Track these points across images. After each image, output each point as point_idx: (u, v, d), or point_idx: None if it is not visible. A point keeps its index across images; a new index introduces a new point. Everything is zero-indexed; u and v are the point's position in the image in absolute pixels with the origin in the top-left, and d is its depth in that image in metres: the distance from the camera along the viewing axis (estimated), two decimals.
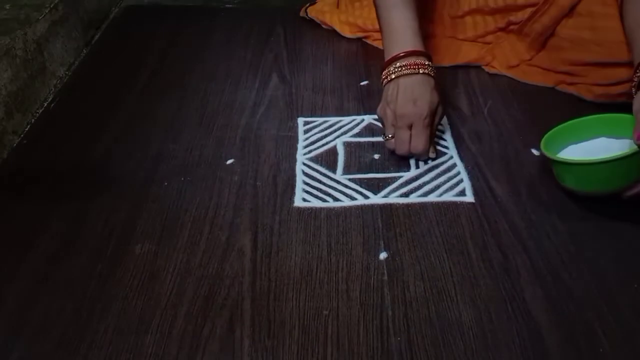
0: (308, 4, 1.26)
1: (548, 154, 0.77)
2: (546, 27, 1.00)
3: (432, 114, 0.85)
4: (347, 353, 0.62)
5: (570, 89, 0.99)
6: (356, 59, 1.13)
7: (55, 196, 0.82)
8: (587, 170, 0.74)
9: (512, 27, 1.05)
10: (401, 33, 0.90)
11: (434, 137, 0.88)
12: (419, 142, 0.84)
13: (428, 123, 0.84)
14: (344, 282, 0.69)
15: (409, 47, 0.88)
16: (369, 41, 1.17)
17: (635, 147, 0.71)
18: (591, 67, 0.97)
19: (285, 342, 0.63)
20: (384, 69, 0.89)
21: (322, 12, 1.23)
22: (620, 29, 0.92)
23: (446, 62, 1.09)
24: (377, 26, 1.12)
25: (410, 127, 0.84)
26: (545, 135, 0.80)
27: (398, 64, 0.87)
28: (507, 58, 1.06)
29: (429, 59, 0.88)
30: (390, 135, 0.86)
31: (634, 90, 0.78)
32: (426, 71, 0.86)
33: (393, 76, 0.87)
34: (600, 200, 0.78)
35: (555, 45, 1.01)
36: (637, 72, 0.78)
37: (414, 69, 0.86)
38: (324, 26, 1.22)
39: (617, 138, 0.79)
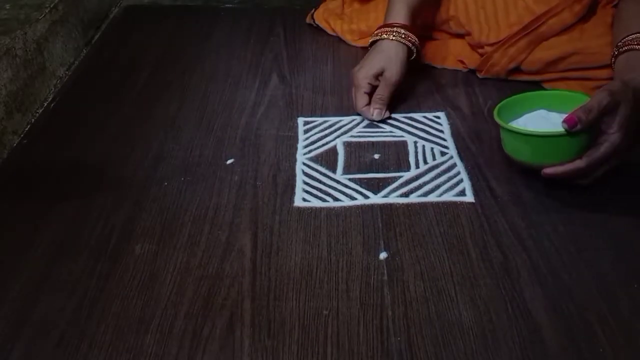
0: (313, 10, 1.25)
1: (497, 118, 0.80)
2: (520, 51, 1.00)
3: (369, 77, 0.94)
4: (347, 353, 0.62)
5: (560, 86, 0.99)
6: (356, 59, 1.13)
7: (55, 196, 0.82)
8: (518, 139, 0.77)
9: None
10: (391, 6, 1.00)
11: (380, 102, 0.94)
12: (355, 101, 0.95)
13: (364, 85, 0.94)
14: (344, 282, 0.69)
15: (390, 20, 0.98)
16: None
17: (555, 130, 0.74)
18: (576, 71, 0.98)
19: (285, 342, 0.63)
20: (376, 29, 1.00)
21: (327, 20, 1.22)
22: (603, 33, 0.95)
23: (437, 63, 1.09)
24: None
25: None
26: (504, 101, 0.83)
27: (375, 32, 0.99)
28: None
29: (406, 30, 0.97)
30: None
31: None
32: (390, 37, 0.96)
33: (368, 44, 0.99)
34: (600, 201, 0.78)
35: (530, 70, 1.02)
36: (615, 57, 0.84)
37: (379, 34, 0.97)
38: (329, 32, 1.21)
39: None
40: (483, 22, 1.04)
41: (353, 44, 1.17)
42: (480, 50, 1.04)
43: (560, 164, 0.75)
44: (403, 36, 0.96)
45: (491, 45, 1.02)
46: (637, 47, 0.85)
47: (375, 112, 0.94)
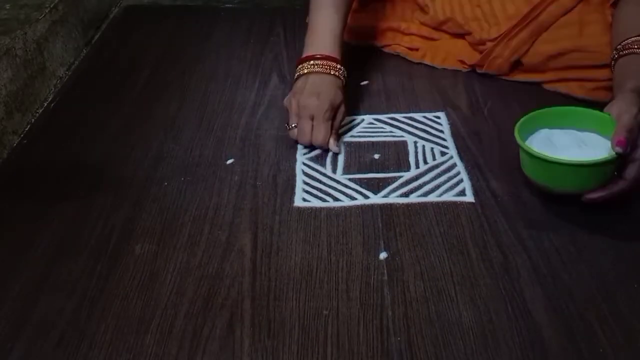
0: None
1: (518, 139, 0.75)
2: (523, 42, 0.99)
3: (334, 109, 0.89)
4: (347, 353, 0.62)
5: (560, 87, 0.99)
6: (356, 59, 1.13)
7: (55, 196, 0.82)
8: (550, 167, 0.73)
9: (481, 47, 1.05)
10: (321, 36, 0.95)
11: (336, 133, 0.90)
12: (318, 133, 0.88)
13: (328, 117, 0.88)
14: (344, 282, 0.69)
15: (326, 52, 0.93)
16: (377, 44, 1.15)
17: (605, 155, 0.72)
18: (576, 70, 0.98)
19: (285, 342, 0.63)
20: (298, 65, 0.94)
21: None
22: (603, 32, 0.94)
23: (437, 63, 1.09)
24: (382, 27, 1.12)
25: (312, 119, 0.88)
26: (521, 119, 0.79)
27: (312, 62, 0.92)
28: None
29: (341, 65, 0.93)
30: (293, 125, 0.90)
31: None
32: (337, 74, 0.92)
33: (305, 71, 0.92)
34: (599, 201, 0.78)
35: (531, 63, 1.01)
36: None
37: (326, 69, 0.92)
38: None
39: (589, 132, 0.79)
40: (482, 19, 1.04)
41: (352, 43, 1.17)
42: (481, 47, 1.04)
43: (602, 188, 0.73)
44: (344, 73, 0.94)
45: (493, 40, 1.02)
46: (637, 51, 0.84)
47: (337, 144, 0.89)
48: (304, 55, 0.94)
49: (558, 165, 0.73)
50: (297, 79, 0.93)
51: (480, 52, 1.04)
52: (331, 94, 0.89)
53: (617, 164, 0.73)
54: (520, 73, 1.03)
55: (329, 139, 0.88)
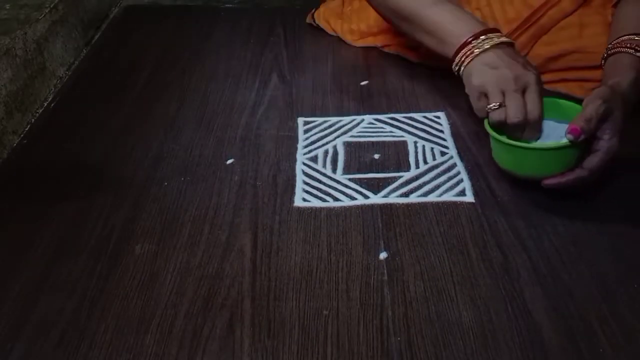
0: (313, 9, 1.25)
1: (486, 127, 0.79)
2: (522, 46, 0.99)
3: (540, 80, 0.81)
4: (347, 353, 0.62)
5: (560, 87, 0.99)
6: (356, 59, 1.13)
7: (55, 196, 0.82)
8: (517, 152, 0.77)
9: None
10: (459, 22, 0.87)
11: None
12: (535, 107, 0.78)
13: (541, 88, 0.80)
14: (344, 282, 0.69)
15: (481, 27, 0.85)
16: (377, 45, 1.15)
17: (561, 142, 0.74)
18: (576, 70, 0.98)
19: (285, 342, 0.63)
20: (461, 49, 0.85)
21: (327, 20, 1.21)
22: (603, 32, 0.94)
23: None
24: (382, 27, 1.11)
25: (523, 92, 0.79)
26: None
27: (482, 37, 0.84)
28: None
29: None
30: (497, 104, 0.79)
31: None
32: (509, 40, 0.85)
33: (487, 45, 0.83)
34: (600, 200, 0.78)
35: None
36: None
37: (502, 39, 0.84)
38: (330, 32, 1.21)
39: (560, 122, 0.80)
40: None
41: (353, 44, 1.17)
42: None
43: (561, 175, 0.75)
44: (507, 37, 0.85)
45: None
46: (624, 49, 0.85)
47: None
48: (459, 45, 0.85)
49: (518, 149, 0.76)
50: (473, 60, 0.83)
51: None
52: (527, 61, 0.82)
53: (578, 153, 0.75)
54: None
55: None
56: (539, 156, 0.76)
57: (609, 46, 0.87)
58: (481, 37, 0.84)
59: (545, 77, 1.00)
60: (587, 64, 0.96)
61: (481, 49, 0.83)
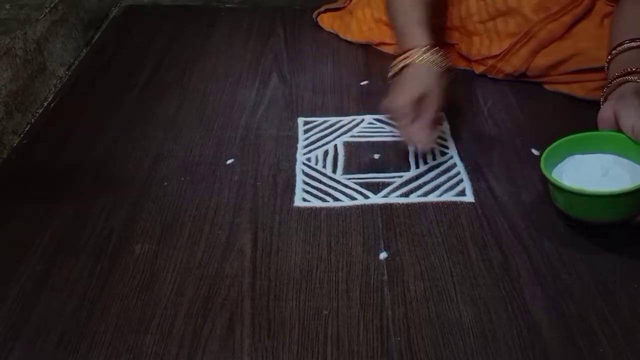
0: (316, 12, 1.24)
1: (546, 173, 0.73)
2: (523, 60, 1.00)
3: (414, 102, 0.82)
4: (347, 353, 0.62)
5: (561, 88, 0.99)
6: (356, 59, 1.13)
7: (55, 196, 0.82)
8: (587, 200, 0.70)
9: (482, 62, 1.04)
10: (406, 33, 0.91)
11: (428, 127, 0.84)
12: (411, 136, 0.84)
13: (407, 114, 0.82)
14: (344, 282, 0.69)
15: (413, 44, 0.88)
16: (375, 45, 1.15)
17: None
18: (577, 73, 0.98)
19: (285, 342, 0.63)
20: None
21: (331, 22, 1.21)
22: (603, 35, 0.93)
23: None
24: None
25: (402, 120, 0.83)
26: (546, 150, 0.76)
27: (396, 60, 0.88)
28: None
29: (431, 47, 0.87)
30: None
31: (602, 99, 0.80)
32: (422, 59, 0.86)
33: (391, 72, 0.88)
34: None
35: (533, 75, 1.01)
36: (611, 82, 0.79)
37: (406, 59, 0.87)
38: (329, 30, 1.21)
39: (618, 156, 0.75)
40: (483, 34, 1.04)
41: (355, 40, 1.16)
42: (477, 61, 1.05)
43: None
44: (431, 59, 0.86)
45: (494, 57, 1.02)
46: (635, 44, 0.84)
47: (428, 144, 0.85)
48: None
49: (596, 198, 0.69)
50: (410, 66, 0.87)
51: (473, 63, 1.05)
52: (414, 87, 0.83)
53: None
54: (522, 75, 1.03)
55: (424, 137, 0.83)
56: (630, 197, 0.68)
57: (614, 51, 0.84)
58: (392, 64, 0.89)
59: (546, 79, 1.01)
60: (588, 66, 0.96)
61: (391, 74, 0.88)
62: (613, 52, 0.85)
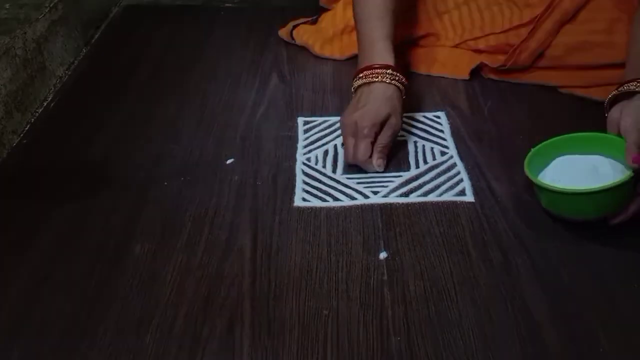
0: (292, 27, 1.20)
1: (529, 174, 0.75)
2: (548, 34, 0.99)
3: (375, 125, 0.84)
4: (347, 353, 0.62)
5: (581, 92, 0.98)
6: (356, 59, 1.13)
7: (55, 196, 0.82)
8: (571, 198, 0.73)
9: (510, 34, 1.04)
10: (368, 47, 0.92)
11: (380, 150, 0.84)
12: (357, 152, 0.84)
13: (367, 134, 0.83)
14: (344, 282, 0.69)
15: (374, 61, 0.89)
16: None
17: (620, 178, 0.70)
18: (600, 70, 0.97)
19: (285, 342, 0.63)
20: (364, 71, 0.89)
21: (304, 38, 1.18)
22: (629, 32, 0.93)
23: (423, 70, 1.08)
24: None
25: (354, 136, 0.84)
26: (530, 152, 0.78)
27: (359, 75, 0.89)
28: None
29: (394, 70, 0.88)
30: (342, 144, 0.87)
31: (607, 106, 0.79)
32: (386, 80, 0.86)
33: (354, 86, 0.89)
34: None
35: (553, 55, 1.01)
36: (623, 87, 0.78)
37: (371, 78, 0.87)
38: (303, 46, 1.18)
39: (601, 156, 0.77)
40: (503, 3, 1.04)
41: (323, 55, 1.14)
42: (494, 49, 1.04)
43: (624, 211, 0.72)
44: (397, 78, 0.88)
45: (516, 28, 1.02)
46: None
47: (379, 163, 0.84)
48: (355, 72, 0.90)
49: (574, 196, 0.72)
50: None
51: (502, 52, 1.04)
52: (374, 108, 0.84)
53: (633, 183, 0.71)
54: (536, 70, 1.02)
55: (367, 159, 0.83)
56: (605, 196, 0.71)
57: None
58: (355, 78, 0.89)
59: (560, 77, 1.00)
60: (609, 61, 0.95)
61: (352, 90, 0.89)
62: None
